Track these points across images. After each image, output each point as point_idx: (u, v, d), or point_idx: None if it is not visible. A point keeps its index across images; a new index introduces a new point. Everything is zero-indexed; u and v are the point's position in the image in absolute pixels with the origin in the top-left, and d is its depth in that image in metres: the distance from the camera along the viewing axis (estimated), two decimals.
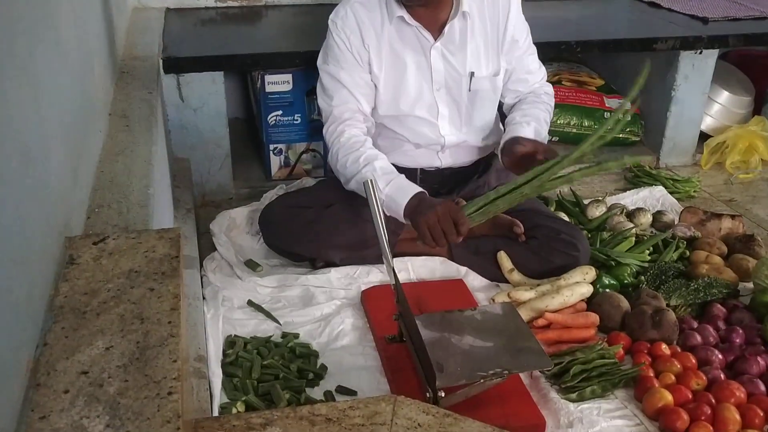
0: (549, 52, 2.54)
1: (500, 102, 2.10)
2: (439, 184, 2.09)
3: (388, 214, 1.78)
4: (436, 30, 1.91)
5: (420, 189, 1.79)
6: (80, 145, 1.30)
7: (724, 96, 2.99)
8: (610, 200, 2.48)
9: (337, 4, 1.95)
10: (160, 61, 2.21)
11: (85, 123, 1.38)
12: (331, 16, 1.94)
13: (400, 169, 2.03)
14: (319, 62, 1.97)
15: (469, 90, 1.98)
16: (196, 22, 2.75)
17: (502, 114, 2.13)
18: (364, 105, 1.94)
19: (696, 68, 2.75)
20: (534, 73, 2.08)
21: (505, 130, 1.99)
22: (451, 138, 2.02)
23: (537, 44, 2.08)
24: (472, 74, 1.96)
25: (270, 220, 2.01)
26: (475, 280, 2.00)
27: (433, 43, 1.91)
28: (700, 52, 2.72)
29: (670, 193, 2.59)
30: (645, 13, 3.05)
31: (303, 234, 1.96)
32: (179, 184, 2.21)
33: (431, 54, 1.92)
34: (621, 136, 2.92)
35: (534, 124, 1.93)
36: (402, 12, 1.87)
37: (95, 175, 1.39)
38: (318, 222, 1.97)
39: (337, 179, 2.20)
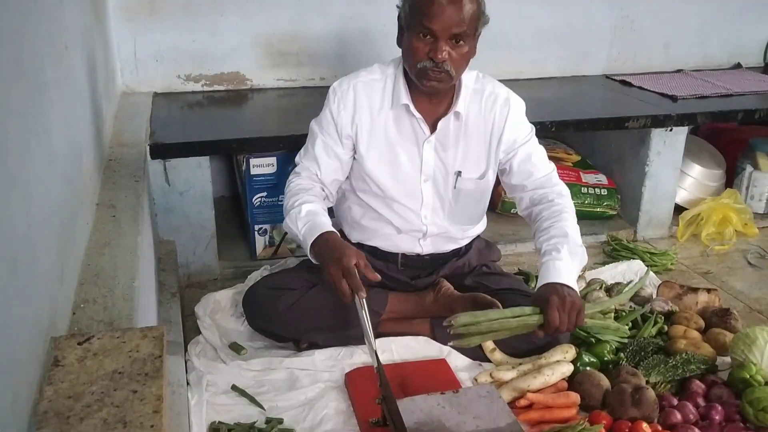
0: None
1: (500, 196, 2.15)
2: (420, 269, 2.14)
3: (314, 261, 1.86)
4: (431, 124, 1.99)
5: (329, 229, 1.85)
6: (67, 241, 1.34)
7: (696, 170, 3.09)
8: (590, 275, 2.53)
9: (315, 88, 2.03)
10: (147, 147, 2.27)
11: (72, 218, 1.42)
12: (334, 84, 2.00)
13: (382, 253, 2.08)
14: (313, 121, 2.04)
15: (454, 187, 2.04)
16: (183, 105, 2.83)
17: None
18: (324, 175, 2.00)
19: (667, 144, 2.85)
20: (539, 167, 2.04)
21: (539, 255, 1.92)
22: (432, 228, 2.07)
23: None
24: (458, 173, 2.03)
25: (253, 302, 2.04)
26: (457, 360, 2.01)
27: (427, 136, 1.98)
28: (671, 129, 2.82)
29: (648, 266, 2.64)
30: (617, 92, 3.17)
31: (286, 316, 1.98)
32: (164, 267, 2.23)
33: (424, 146, 1.99)
34: (599, 210, 3.00)
35: (565, 246, 1.86)
36: (408, 101, 1.94)
37: (81, 269, 1.43)
38: (300, 304, 2.00)
39: None
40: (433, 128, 1.98)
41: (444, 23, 1.76)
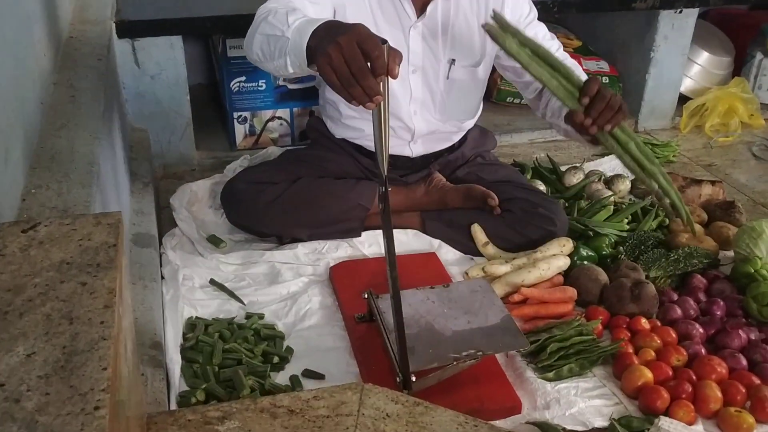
0: None
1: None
2: (410, 169, 2.00)
3: (291, 73, 1.38)
4: (419, 8, 1.78)
5: (332, 19, 1.35)
6: (13, 119, 1.19)
7: (703, 57, 2.91)
8: (588, 166, 2.41)
9: None
10: (113, 25, 2.07)
11: (20, 95, 1.26)
12: None
13: (369, 152, 1.93)
14: None
15: (447, 78, 1.86)
16: None
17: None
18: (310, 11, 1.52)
19: (676, 28, 2.66)
20: (549, 46, 1.78)
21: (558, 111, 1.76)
22: (421, 126, 1.91)
23: None
24: (452, 61, 1.84)
25: (232, 197, 1.91)
26: (448, 254, 1.92)
27: (414, 22, 1.79)
28: (680, 11, 2.62)
29: None
30: None
31: (267, 212, 1.86)
32: (136, 156, 2.09)
33: (410, 33, 1.80)
34: None
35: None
36: None
37: (34, 153, 1.28)
38: (283, 199, 1.87)
39: (303, 150, 2.10)
40: (421, 12, 1.79)
41: None
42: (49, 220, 0.97)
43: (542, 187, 2.18)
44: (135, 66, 2.17)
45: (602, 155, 2.56)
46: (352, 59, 1.15)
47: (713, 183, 2.22)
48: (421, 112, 1.91)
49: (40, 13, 1.57)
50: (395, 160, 1.98)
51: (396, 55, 1.18)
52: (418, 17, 1.78)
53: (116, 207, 1.47)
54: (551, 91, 1.53)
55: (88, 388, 0.70)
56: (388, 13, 1.78)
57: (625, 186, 2.24)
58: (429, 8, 1.77)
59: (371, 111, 1.19)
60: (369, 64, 1.15)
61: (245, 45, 1.54)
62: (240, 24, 2.23)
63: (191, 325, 1.59)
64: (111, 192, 1.46)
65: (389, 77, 1.17)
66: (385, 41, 1.18)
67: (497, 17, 1.46)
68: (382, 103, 1.18)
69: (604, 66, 2.86)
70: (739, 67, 3.02)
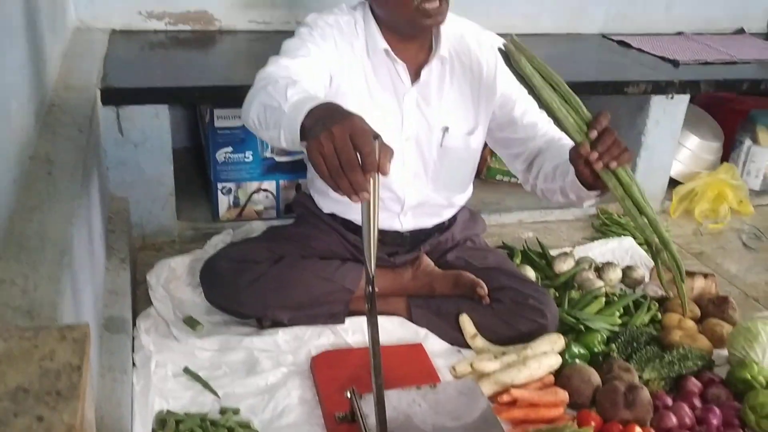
0: None
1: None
2: (399, 246, 1.94)
3: (284, 146, 1.33)
4: (413, 73, 1.75)
5: (332, 102, 1.27)
6: None
7: (693, 141, 2.91)
8: (578, 252, 2.36)
9: (291, 32, 1.75)
10: (98, 92, 2.02)
11: None
12: (312, 15, 1.71)
13: (357, 227, 1.87)
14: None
15: (440, 146, 1.82)
16: (143, 46, 2.55)
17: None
18: (307, 80, 1.52)
19: (667, 113, 2.66)
20: (540, 116, 1.78)
21: (555, 170, 1.70)
22: (412, 196, 1.86)
23: None
24: (445, 129, 1.80)
25: (212, 275, 1.83)
26: (435, 344, 1.84)
27: (408, 89, 1.75)
28: (672, 97, 2.63)
29: (639, 244, 2.48)
30: (615, 53, 2.96)
31: (248, 292, 1.78)
32: (114, 228, 2.01)
33: (405, 100, 1.76)
34: None
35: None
36: (386, 45, 1.70)
37: (2, 239, 1.20)
38: (265, 279, 1.79)
39: (288, 228, 2.04)
40: (415, 77, 1.75)
41: None
42: (7, 332, 0.88)
43: (532, 274, 2.12)
44: (118, 134, 2.10)
45: (592, 239, 2.52)
46: (342, 151, 1.11)
47: (705, 276, 2.18)
48: (413, 182, 1.86)
49: (20, 84, 1.52)
50: (384, 235, 1.91)
51: (387, 152, 1.14)
52: (412, 83, 1.75)
53: (86, 292, 1.38)
54: (559, 120, 1.49)
55: None
56: (383, 80, 1.74)
57: (616, 275, 2.19)
58: (423, 73, 1.74)
59: (360, 204, 1.15)
60: (360, 158, 1.10)
61: (243, 109, 1.50)
62: (228, 95, 2.19)
63: (161, 420, 1.49)
64: (84, 277, 1.38)
65: (380, 173, 1.13)
66: (377, 136, 1.14)
67: (514, 41, 1.45)
68: (371, 199, 1.13)
69: None
70: (728, 153, 3.03)
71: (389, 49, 1.69)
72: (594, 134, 1.46)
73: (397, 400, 1.48)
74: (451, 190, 1.93)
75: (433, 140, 1.80)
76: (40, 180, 1.43)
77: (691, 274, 2.17)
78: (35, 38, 1.71)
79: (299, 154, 2.26)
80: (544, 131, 1.78)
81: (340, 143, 1.11)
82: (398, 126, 1.76)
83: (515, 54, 1.44)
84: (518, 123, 1.81)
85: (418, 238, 1.96)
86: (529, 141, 1.81)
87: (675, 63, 2.80)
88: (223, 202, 2.35)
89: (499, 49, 1.48)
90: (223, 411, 1.54)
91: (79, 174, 1.49)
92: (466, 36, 1.77)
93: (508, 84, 1.76)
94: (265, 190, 2.37)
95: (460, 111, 1.79)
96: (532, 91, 1.49)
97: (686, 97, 2.67)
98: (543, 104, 1.49)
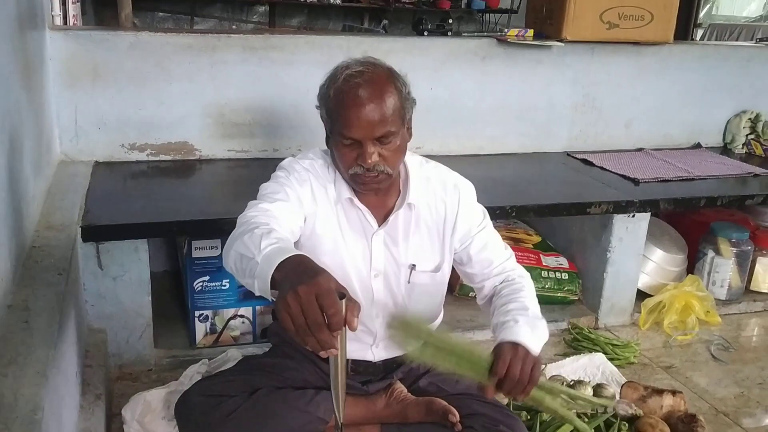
0: None
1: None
2: (371, 374, 1.98)
3: (258, 294, 1.39)
4: (381, 217, 1.85)
5: (302, 253, 1.36)
6: None
7: (657, 254, 3.02)
8: (550, 369, 2.41)
9: (269, 159, 1.86)
10: (79, 230, 2.10)
11: None
12: (288, 160, 1.82)
13: (328, 361, 1.91)
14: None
15: (408, 282, 1.90)
16: (125, 176, 2.66)
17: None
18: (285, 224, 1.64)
19: (630, 230, 2.78)
20: (497, 254, 1.89)
21: (495, 330, 1.74)
22: (383, 329, 1.92)
23: None
24: (412, 267, 1.89)
25: (187, 411, 1.84)
26: None
27: (375, 230, 1.85)
28: (633, 216, 2.75)
29: (610, 359, 2.53)
30: (579, 172, 3.10)
31: (224, 427, 1.79)
32: (91, 363, 2.04)
33: (373, 240, 1.85)
34: (560, 295, 2.89)
35: (523, 318, 1.67)
36: (351, 194, 1.80)
37: None
38: (239, 412, 1.81)
39: (262, 358, 2.07)
40: (383, 221, 1.85)
41: (365, 130, 1.61)
42: None
43: (504, 400, 2.15)
44: (98, 268, 2.17)
45: (564, 355, 2.57)
46: (308, 312, 1.17)
47: (674, 393, 2.22)
48: (384, 316, 1.92)
49: (1, 233, 1.58)
50: (356, 365, 1.96)
51: (355, 307, 1.20)
52: (380, 226, 1.84)
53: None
54: (461, 375, 1.56)
55: None
56: (353, 222, 1.83)
57: (587, 392, 2.23)
58: (390, 218, 1.83)
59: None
60: (326, 318, 1.17)
61: (223, 254, 1.58)
62: (205, 228, 2.28)
63: None
64: (56, 424, 1.40)
65: (347, 328, 1.19)
66: (344, 295, 1.20)
67: (398, 319, 1.51)
68: (339, 354, 1.18)
69: (563, 262, 2.94)
70: (692, 263, 3.13)
71: (353, 197, 1.79)
72: (495, 380, 1.53)
73: None
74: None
75: (401, 276, 1.88)
76: (17, 331, 1.47)
77: (660, 392, 2.22)
78: (18, 183, 1.80)
79: None
80: (499, 271, 1.88)
81: (306, 304, 1.15)
82: (367, 263, 1.85)
83: (401, 336, 1.50)
84: (474, 259, 1.90)
85: (391, 366, 2.00)
86: (485, 279, 1.90)
87: (635, 181, 2.94)
88: (200, 329, 2.39)
89: (387, 330, 1.54)
90: None
91: (56, 321, 1.54)
92: (432, 179, 1.88)
93: (468, 222, 1.87)
94: (242, 316, 2.42)
95: (426, 250, 1.89)
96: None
97: (647, 216, 2.79)
98: (444, 370, 1.56)
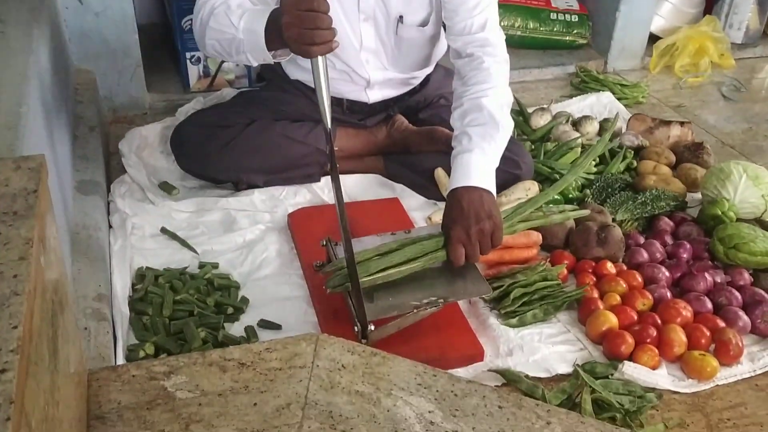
0: None
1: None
2: (368, 113, 1.92)
3: (255, 65, 1.57)
4: None
5: (275, 7, 1.42)
6: None
7: None
8: (556, 108, 2.35)
9: None
10: None
11: None
12: None
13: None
14: None
15: (396, 34, 1.77)
16: None
17: None
18: None
19: None
20: (481, 23, 1.66)
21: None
22: (376, 75, 1.83)
23: None
24: (399, 18, 1.74)
25: (182, 141, 1.81)
26: (411, 199, 1.86)
27: None
28: None
29: (618, 99, 2.46)
30: None
31: (219, 157, 1.77)
32: (82, 99, 1.97)
33: None
34: (568, 39, 2.76)
35: (477, 128, 1.55)
36: None
37: None
38: (236, 143, 1.78)
39: (259, 92, 2.00)
40: None
41: None
42: None
43: None
44: (77, 2, 2.02)
45: (570, 96, 2.50)
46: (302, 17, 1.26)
47: (682, 124, 2.17)
48: (374, 62, 1.83)
49: None
50: (352, 104, 1.90)
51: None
52: None
53: (51, 152, 1.37)
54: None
55: None
56: None
57: (593, 127, 2.19)
58: None
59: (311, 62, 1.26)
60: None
61: (197, 42, 1.61)
62: None
63: (140, 275, 1.52)
64: (46, 136, 1.36)
65: None
66: None
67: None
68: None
69: (573, 3, 2.77)
70: (710, 5, 2.95)
71: None
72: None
73: (372, 244, 1.49)
74: (413, 69, 1.91)
75: (389, 26, 1.75)
76: None
77: (667, 123, 2.17)
78: None
79: None
80: (481, 43, 1.67)
81: (296, 18, 1.26)
82: (355, 6, 1.70)
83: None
84: (459, 16, 1.68)
85: (388, 104, 1.94)
86: (461, 36, 1.69)
87: None
88: (193, 72, 2.30)
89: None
90: (201, 266, 1.57)
91: (31, 33, 1.44)
92: None
93: None
94: None
95: (414, 2, 1.73)
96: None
97: None
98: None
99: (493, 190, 1.50)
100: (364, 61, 1.81)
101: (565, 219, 1.62)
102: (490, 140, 1.54)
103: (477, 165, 1.50)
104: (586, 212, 1.67)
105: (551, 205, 1.66)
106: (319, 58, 1.25)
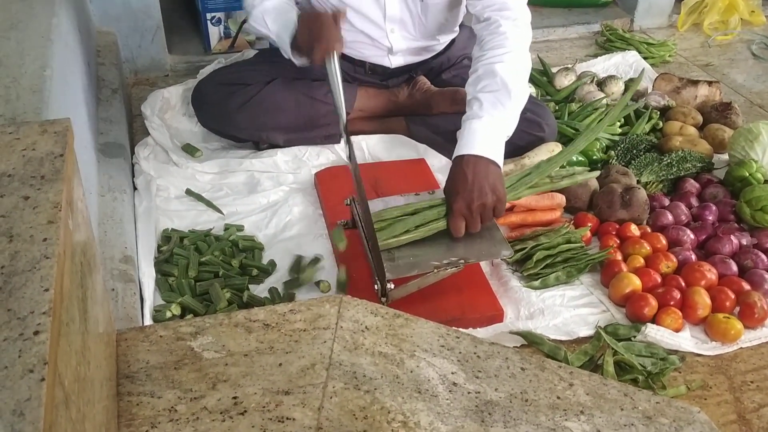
0: None
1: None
2: (390, 75, 1.90)
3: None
4: None
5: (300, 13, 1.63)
6: None
7: None
8: (580, 67, 2.31)
9: None
10: None
11: None
12: None
13: (348, 57, 1.82)
14: None
15: (422, 0, 1.73)
16: None
17: None
18: None
19: None
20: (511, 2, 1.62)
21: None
22: (400, 44, 1.80)
23: None
24: None
25: (203, 99, 1.81)
26: (434, 160, 1.85)
27: None
28: None
29: (644, 58, 2.41)
30: None
31: (240, 115, 1.77)
32: (104, 61, 1.97)
33: None
34: None
35: (489, 95, 1.51)
36: None
37: None
38: (256, 101, 1.77)
39: (279, 51, 1.98)
40: None
41: None
42: None
43: (532, 90, 2.08)
44: None
45: (595, 56, 2.45)
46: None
47: (710, 83, 2.13)
48: (399, 31, 1.80)
49: None
50: (374, 67, 1.88)
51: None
52: None
53: (76, 115, 1.38)
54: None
55: (28, 311, 0.65)
56: None
57: (618, 88, 2.15)
58: None
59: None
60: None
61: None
62: None
63: (166, 237, 1.54)
64: (71, 99, 1.36)
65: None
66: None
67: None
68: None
69: None
70: None
71: None
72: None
73: (394, 204, 1.49)
74: (439, 35, 1.88)
75: None
76: (15, 2, 1.38)
77: (694, 82, 2.12)
78: None
79: None
80: (499, 9, 1.62)
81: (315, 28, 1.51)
82: None
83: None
84: None
85: (410, 68, 1.92)
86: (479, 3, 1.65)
87: None
88: (214, 33, 2.29)
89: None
90: (226, 227, 1.58)
91: None
92: None
93: None
94: None
95: None
96: None
97: None
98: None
99: (500, 161, 1.47)
100: (389, 30, 1.79)
101: (572, 183, 1.61)
102: (501, 108, 1.50)
103: (484, 133, 1.48)
104: (595, 174, 1.65)
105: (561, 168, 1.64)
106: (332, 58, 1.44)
